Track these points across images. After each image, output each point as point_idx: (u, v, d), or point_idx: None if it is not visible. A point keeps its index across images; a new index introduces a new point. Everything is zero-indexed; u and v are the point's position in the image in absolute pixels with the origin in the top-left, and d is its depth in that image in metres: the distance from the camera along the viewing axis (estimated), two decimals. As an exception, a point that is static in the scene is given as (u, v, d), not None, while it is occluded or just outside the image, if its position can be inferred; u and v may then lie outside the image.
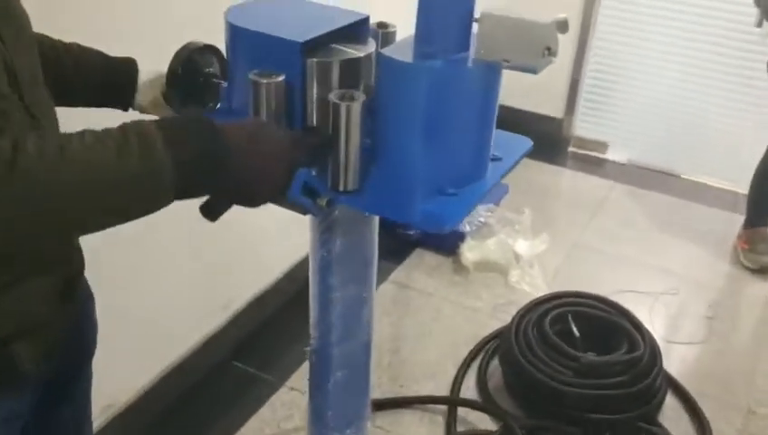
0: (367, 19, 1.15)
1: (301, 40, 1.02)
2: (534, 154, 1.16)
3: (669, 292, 2.72)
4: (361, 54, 1.08)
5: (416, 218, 0.97)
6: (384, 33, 1.21)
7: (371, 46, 1.12)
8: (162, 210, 0.80)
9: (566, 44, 3.56)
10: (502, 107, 1.07)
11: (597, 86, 3.68)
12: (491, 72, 1.00)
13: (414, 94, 0.98)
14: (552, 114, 3.75)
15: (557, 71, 3.65)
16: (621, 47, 3.56)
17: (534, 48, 0.93)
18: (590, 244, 3.02)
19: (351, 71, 1.08)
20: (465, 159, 1.05)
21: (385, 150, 1.03)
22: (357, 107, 0.94)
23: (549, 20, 0.92)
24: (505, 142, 1.13)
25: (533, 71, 0.94)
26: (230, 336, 2.30)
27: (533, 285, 2.71)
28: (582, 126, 3.78)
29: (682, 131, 3.56)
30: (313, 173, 1.01)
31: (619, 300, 2.41)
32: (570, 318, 2.21)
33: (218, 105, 1.27)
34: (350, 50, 1.09)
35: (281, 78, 1.01)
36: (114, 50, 1.23)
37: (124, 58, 1.23)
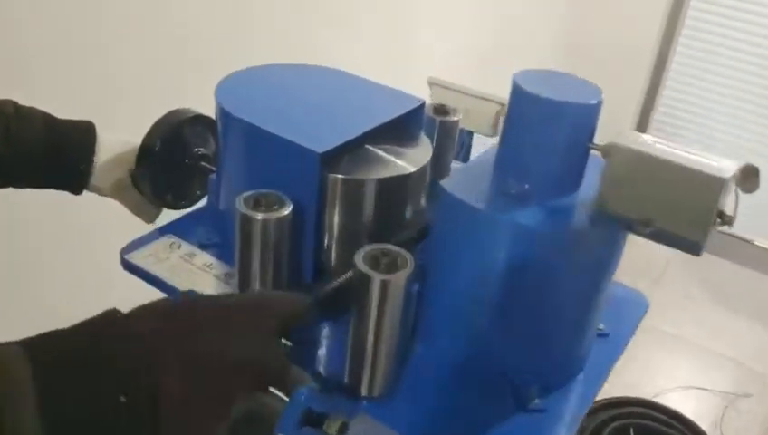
0: (421, 107, 0.79)
1: (320, 149, 0.66)
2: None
3: (740, 393, 2.32)
4: (410, 169, 0.72)
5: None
6: (442, 123, 0.85)
7: (425, 150, 0.77)
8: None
9: (636, 83, 3.17)
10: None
11: (665, 127, 3.28)
12: (613, 234, 0.63)
13: (488, 257, 0.62)
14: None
15: (624, 106, 3.29)
16: (694, 89, 3.16)
17: (698, 212, 0.56)
18: (649, 321, 2.61)
19: (394, 193, 0.72)
20: (559, 352, 0.68)
21: (436, 330, 0.67)
22: (399, 282, 0.58)
23: (726, 169, 0.56)
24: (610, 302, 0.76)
25: (694, 250, 0.57)
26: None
27: (582, 370, 2.33)
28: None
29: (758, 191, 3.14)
30: (315, 387, 0.65)
31: (684, 398, 2.05)
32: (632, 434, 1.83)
33: (204, 197, 0.93)
34: (392, 157, 0.74)
35: (285, 211, 0.65)
36: (66, 110, 0.89)
37: (78, 122, 0.88)
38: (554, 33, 2.99)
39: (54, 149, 0.86)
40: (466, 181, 0.64)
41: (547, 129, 0.60)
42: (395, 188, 0.71)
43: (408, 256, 0.59)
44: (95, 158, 0.88)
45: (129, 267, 0.78)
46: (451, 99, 1.83)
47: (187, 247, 0.81)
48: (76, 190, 0.90)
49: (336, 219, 0.71)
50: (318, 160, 0.66)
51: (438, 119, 0.85)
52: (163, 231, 0.84)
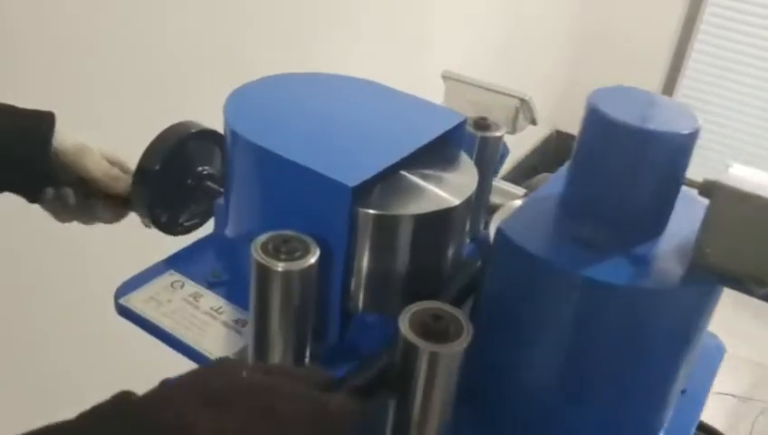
0: (462, 124, 0.68)
1: (352, 182, 0.55)
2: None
3: (771, 401, 2.23)
4: (454, 202, 0.61)
5: None
6: (483, 139, 0.74)
7: (469, 175, 0.65)
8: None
9: (652, 83, 3.06)
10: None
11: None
12: (710, 290, 0.52)
13: (555, 317, 0.51)
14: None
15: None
16: (710, 93, 3.06)
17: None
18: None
19: (435, 230, 0.61)
20: (638, 424, 0.57)
21: (489, 401, 0.57)
22: (453, 355, 0.47)
23: None
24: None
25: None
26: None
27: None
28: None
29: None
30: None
31: (711, 405, 1.95)
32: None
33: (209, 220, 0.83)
34: (431, 186, 0.62)
35: (311, 259, 0.54)
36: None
37: (34, 110, 0.75)
38: (567, 32, 2.87)
39: (7, 138, 0.73)
40: (529, 224, 0.53)
41: (635, 163, 0.49)
42: (436, 225, 0.61)
43: (465, 320, 0.48)
44: (53, 139, 0.74)
45: (125, 313, 0.68)
46: (467, 94, 1.71)
47: (191, 287, 0.70)
48: (35, 183, 0.76)
49: (366, 261, 0.60)
50: (350, 195, 0.55)
51: (479, 135, 0.74)
52: (164, 267, 0.73)
